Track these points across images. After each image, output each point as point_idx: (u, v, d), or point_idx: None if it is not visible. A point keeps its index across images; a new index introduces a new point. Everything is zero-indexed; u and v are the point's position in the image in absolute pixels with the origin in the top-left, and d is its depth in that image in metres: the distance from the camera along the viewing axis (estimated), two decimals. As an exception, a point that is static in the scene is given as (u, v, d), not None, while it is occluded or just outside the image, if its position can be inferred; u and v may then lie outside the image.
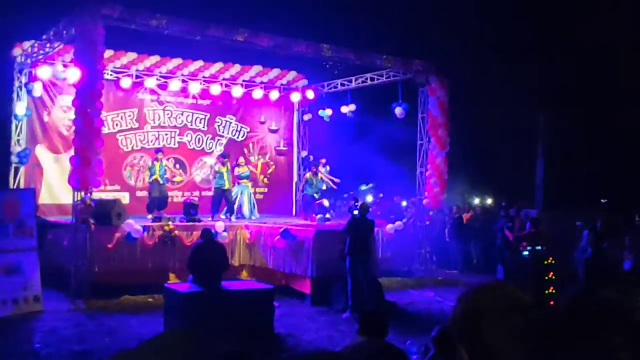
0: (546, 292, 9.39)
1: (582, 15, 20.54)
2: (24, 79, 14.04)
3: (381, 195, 18.53)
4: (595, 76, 20.34)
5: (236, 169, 14.99)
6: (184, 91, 16.31)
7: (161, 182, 14.01)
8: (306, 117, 18.15)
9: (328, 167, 16.30)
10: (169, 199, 14.73)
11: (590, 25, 20.20)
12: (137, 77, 15.53)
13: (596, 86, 20.22)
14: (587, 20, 20.37)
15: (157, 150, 14.43)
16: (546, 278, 9.61)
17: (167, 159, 16.16)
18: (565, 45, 21.00)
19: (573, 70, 20.79)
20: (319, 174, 15.63)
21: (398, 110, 15.20)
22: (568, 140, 21.64)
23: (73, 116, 11.54)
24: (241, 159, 15.44)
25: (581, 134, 21.21)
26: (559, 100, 21.12)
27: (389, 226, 13.50)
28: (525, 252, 10.22)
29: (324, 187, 15.79)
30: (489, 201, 20.82)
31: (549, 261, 9.82)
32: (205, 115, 16.93)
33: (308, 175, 15.81)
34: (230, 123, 17.36)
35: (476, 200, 20.46)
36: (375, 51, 14.41)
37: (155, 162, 14.03)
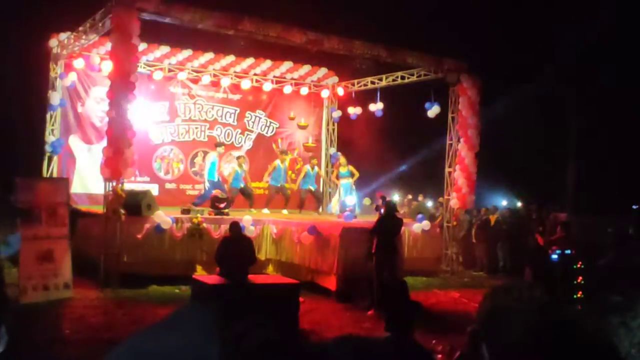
0: (575, 296, 9.27)
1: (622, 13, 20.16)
2: (59, 70, 14.30)
3: (410, 196, 18.44)
4: (632, 78, 19.97)
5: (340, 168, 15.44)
6: (215, 85, 16.47)
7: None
8: (335, 114, 18.16)
9: (316, 168, 16.02)
10: (198, 192, 14.95)
11: (631, 22, 19.83)
12: (169, 70, 15.70)
13: (633, 89, 19.84)
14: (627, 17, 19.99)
15: (219, 144, 14.90)
16: (575, 282, 9.48)
17: (196, 153, 16.40)
18: (602, 45, 20.65)
19: (608, 73, 20.44)
20: (317, 169, 15.84)
21: (432, 110, 15.07)
22: (601, 143, 21.30)
23: (106, 107, 11.72)
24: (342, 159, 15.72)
25: (614, 137, 20.86)
26: (593, 103, 20.79)
27: (416, 226, 13.44)
28: (555, 256, 10.09)
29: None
30: (518, 203, 20.58)
31: (578, 266, 9.68)
32: (235, 110, 17.05)
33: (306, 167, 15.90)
34: (260, 118, 17.45)
35: (504, 202, 20.23)
36: (406, 49, 14.33)
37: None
